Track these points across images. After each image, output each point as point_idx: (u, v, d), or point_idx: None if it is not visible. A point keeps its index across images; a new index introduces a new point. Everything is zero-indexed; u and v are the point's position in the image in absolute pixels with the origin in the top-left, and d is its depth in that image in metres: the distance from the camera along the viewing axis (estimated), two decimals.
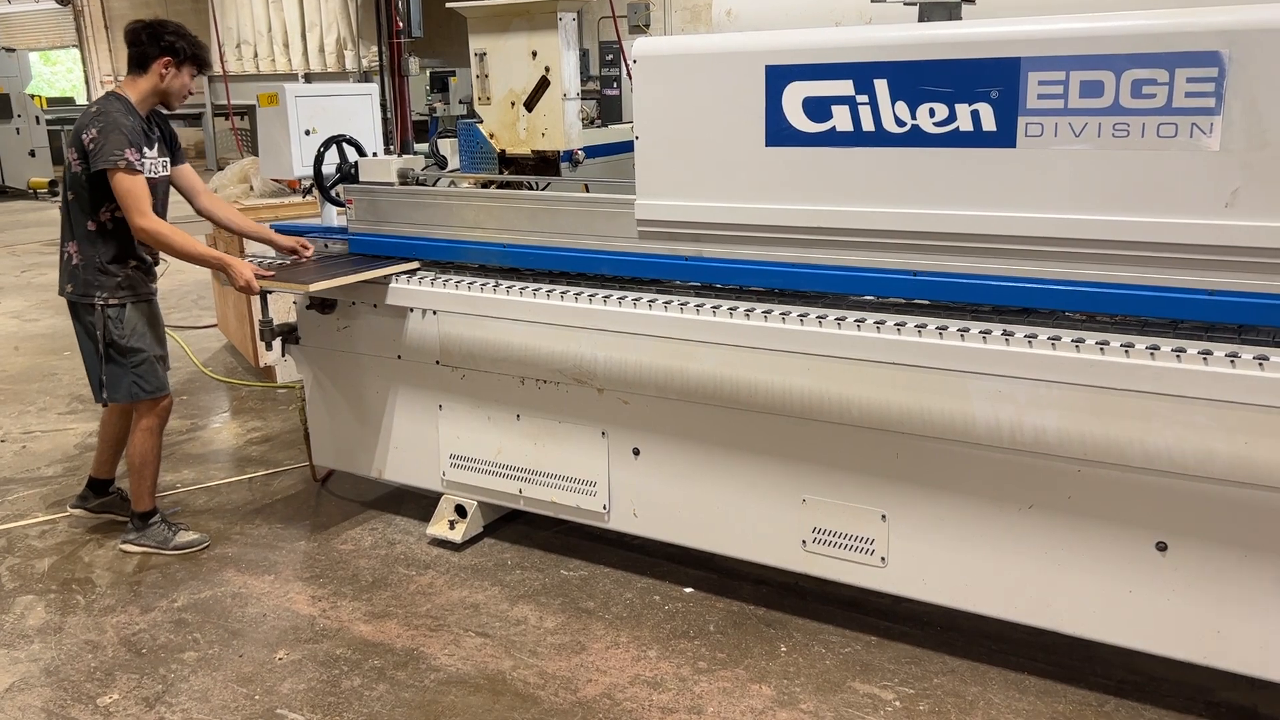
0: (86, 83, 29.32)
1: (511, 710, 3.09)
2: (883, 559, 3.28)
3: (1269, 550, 2.70)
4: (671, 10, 15.86)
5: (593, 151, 4.07)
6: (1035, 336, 2.80)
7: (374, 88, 4.78)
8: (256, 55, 21.72)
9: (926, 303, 3.08)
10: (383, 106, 5.82)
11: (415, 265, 3.97)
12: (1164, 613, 2.87)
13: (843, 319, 3.06)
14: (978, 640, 3.36)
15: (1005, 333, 2.83)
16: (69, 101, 26.48)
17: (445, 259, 3.98)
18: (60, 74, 30.54)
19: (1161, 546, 2.84)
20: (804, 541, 3.41)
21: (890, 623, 3.50)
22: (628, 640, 3.45)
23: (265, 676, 3.30)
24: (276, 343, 4.32)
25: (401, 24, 6.25)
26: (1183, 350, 2.55)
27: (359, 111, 4.71)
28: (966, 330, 2.90)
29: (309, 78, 19.41)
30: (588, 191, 3.86)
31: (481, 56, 3.82)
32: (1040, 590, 3.04)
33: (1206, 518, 2.76)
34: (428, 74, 15.66)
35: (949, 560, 3.17)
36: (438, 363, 4.07)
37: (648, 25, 15.42)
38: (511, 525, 4.30)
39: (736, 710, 3.07)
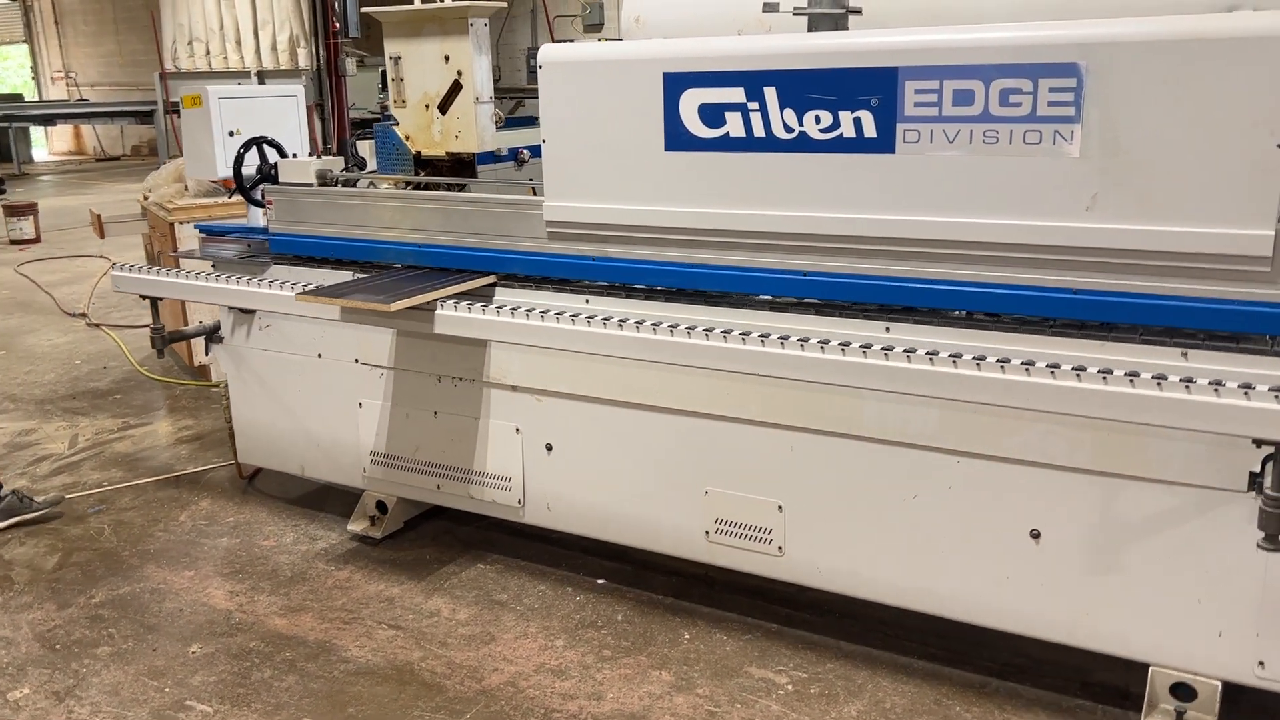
0: (36, 79, 28.91)
1: (416, 699, 3.18)
2: (780, 548, 3.40)
3: (1132, 537, 2.85)
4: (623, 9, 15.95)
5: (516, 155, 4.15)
6: (914, 351, 2.82)
7: (300, 89, 4.83)
8: (209, 52, 21.54)
9: (817, 301, 3.20)
10: (320, 107, 5.89)
11: (492, 279, 3.71)
12: (1038, 597, 3.01)
13: (728, 332, 3.09)
14: (873, 626, 3.49)
15: (885, 348, 2.86)
16: (17, 98, 26.10)
17: (362, 259, 4.04)
18: (13, 69, 30.06)
19: (1035, 534, 2.98)
20: (707, 532, 3.52)
21: (791, 610, 3.62)
22: (537, 630, 3.55)
23: (176, 670, 3.36)
24: (199, 343, 4.36)
25: (339, 24, 6.31)
26: (1031, 364, 2.64)
27: (285, 113, 4.76)
28: (847, 345, 2.92)
29: (261, 75, 19.30)
30: (535, 195, 3.93)
31: (396, 60, 3.89)
32: (925, 578, 3.17)
33: (1075, 506, 2.90)
34: (379, 71, 15.65)
35: (840, 549, 3.29)
36: (357, 361, 4.14)
37: (601, 25, 15.49)
38: (433, 521, 4.38)
39: (635, 696, 3.17)
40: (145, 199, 6.89)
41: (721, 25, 3.58)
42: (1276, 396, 2.34)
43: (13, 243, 12.25)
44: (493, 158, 4.02)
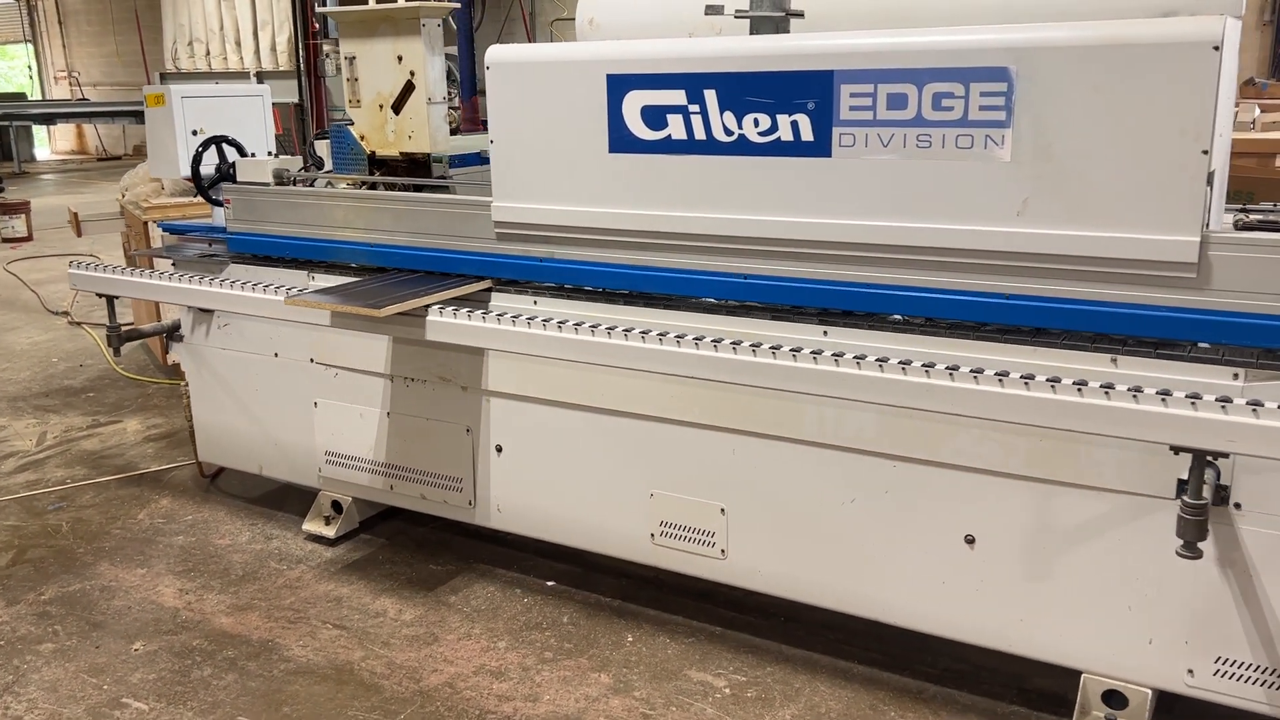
0: (40, 78, 29.03)
1: (352, 699, 3.17)
2: (723, 551, 3.39)
3: (1065, 543, 2.84)
4: (578, 12, 15.97)
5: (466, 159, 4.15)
6: (841, 356, 2.80)
7: (266, 89, 4.83)
8: (209, 53, 21.63)
9: (758, 305, 3.19)
10: (300, 107, 5.89)
11: (487, 284, 3.63)
12: (972, 603, 3.00)
13: (665, 334, 3.06)
14: (816, 631, 3.48)
15: (814, 351, 2.84)
16: (20, 97, 26.22)
17: (317, 258, 4.05)
18: (19, 69, 30.18)
19: (969, 540, 2.97)
20: (652, 535, 3.52)
21: (736, 614, 3.61)
22: (480, 632, 3.54)
23: (117, 667, 3.36)
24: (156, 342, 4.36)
25: (318, 24, 6.31)
26: (956, 368, 2.63)
27: (250, 113, 4.77)
28: (778, 349, 2.89)
29: (260, 76, 19.36)
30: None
31: (351, 60, 3.89)
32: (863, 582, 3.16)
33: (1009, 512, 2.90)
34: None
35: (780, 553, 3.28)
36: (312, 361, 4.14)
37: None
38: (388, 522, 4.38)
39: (571, 698, 3.16)
40: (123, 198, 6.91)
41: (673, 27, 3.57)
42: (1193, 403, 2.33)
43: (4, 240, 12.28)
44: (478, 159, 4.02)
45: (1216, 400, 2.31)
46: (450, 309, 3.42)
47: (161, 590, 3.87)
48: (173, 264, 4.37)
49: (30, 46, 29.21)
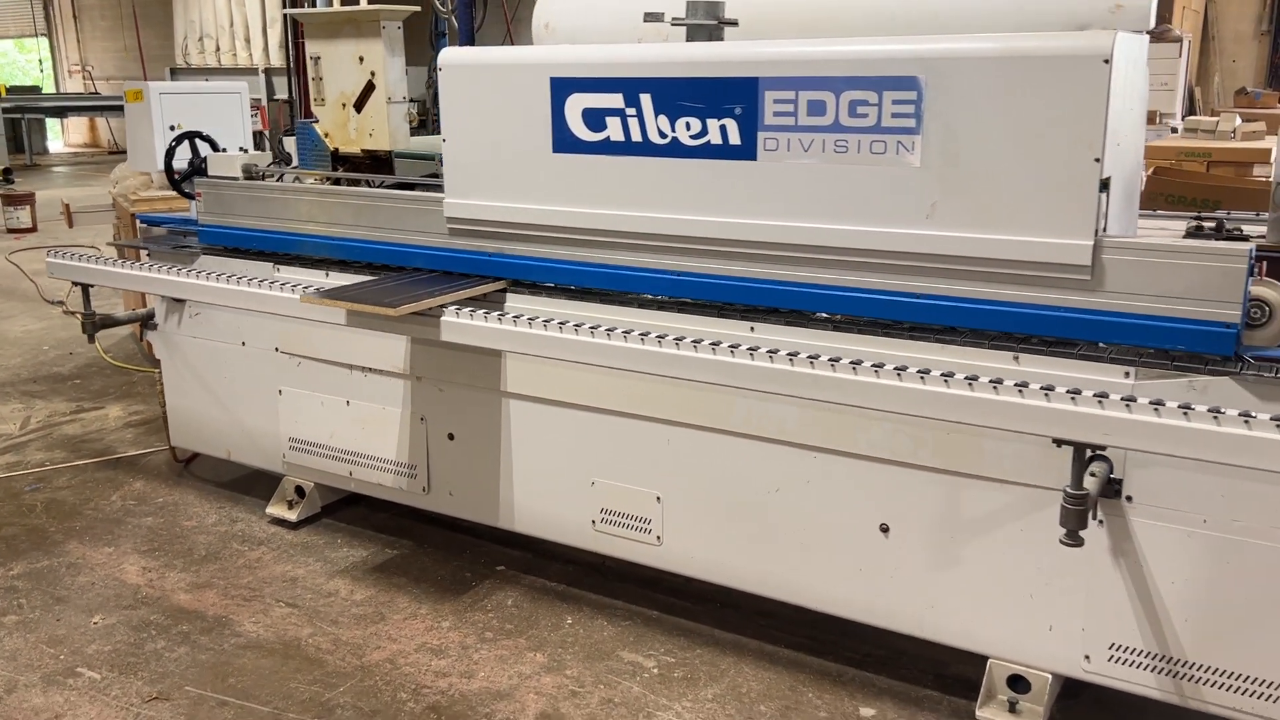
0: (55, 71, 29.35)
1: (295, 672, 3.32)
2: (659, 538, 3.53)
3: (971, 533, 2.96)
4: (534, 16, 16.10)
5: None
6: (756, 350, 2.94)
7: (244, 85, 4.99)
8: (219, 49, 21.86)
9: (691, 301, 3.33)
10: (291, 104, 6.04)
11: (502, 285, 3.62)
12: (888, 590, 3.13)
13: (599, 329, 3.17)
14: (749, 616, 3.61)
15: (732, 347, 2.96)
16: (34, 90, 26.52)
17: (282, 250, 4.19)
18: (36, 62, 30.51)
19: (884, 528, 3.10)
20: (593, 522, 3.65)
21: (675, 599, 3.74)
22: (427, 612, 3.69)
23: (75, 639, 3.52)
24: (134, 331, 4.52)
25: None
26: (859, 362, 2.76)
27: (228, 109, 4.92)
28: (699, 342, 3.02)
29: (269, 72, 19.57)
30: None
31: (316, 60, 4.04)
32: (787, 569, 3.29)
33: (920, 502, 3.02)
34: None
35: (712, 539, 3.41)
36: (277, 349, 4.29)
37: None
38: (351, 508, 4.52)
39: (505, 675, 3.30)
40: (114, 190, 7.08)
41: (625, 32, 3.70)
42: (1073, 398, 2.45)
43: (9, 231, 12.49)
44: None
45: (1094, 396, 2.44)
46: (467, 310, 3.41)
47: (126, 568, 4.03)
48: (146, 254, 4.53)
49: (45, 40, 29.55)
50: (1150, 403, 2.39)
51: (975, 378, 2.59)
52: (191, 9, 22.47)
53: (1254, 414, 2.29)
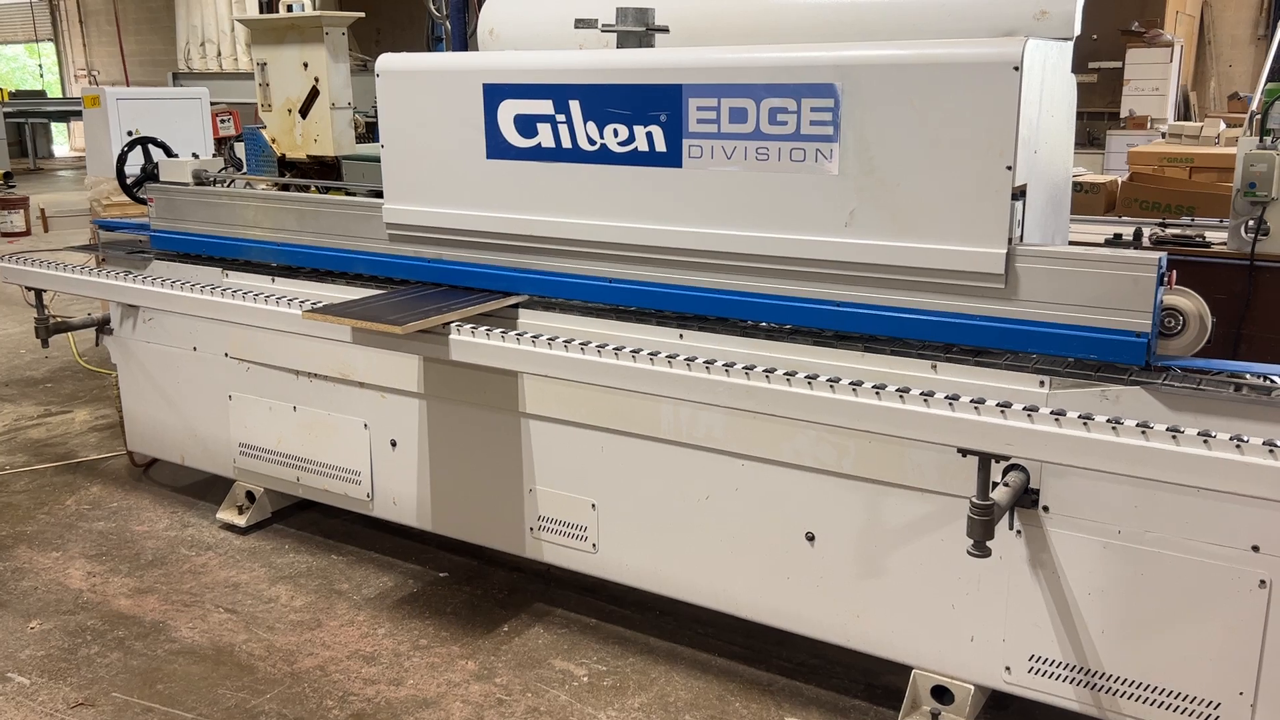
0: (61, 76, 29.54)
1: (225, 679, 3.31)
2: (594, 545, 3.51)
3: (895, 542, 2.94)
4: (479, 22, 16.14)
5: None
6: (673, 357, 2.93)
7: (204, 91, 5.00)
8: (220, 54, 21.96)
9: (622, 308, 3.31)
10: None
11: (516, 300, 3.48)
12: (814, 599, 3.11)
13: (531, 335, 3.18)
14: (686, 624, 3.59)
15: (652, 354, 2.96)
16: (40, 94, 26.67)
17: (231, 256, 4.20)
18: (47, 67, 30.70)
19: (810, 537, 3.08)
20: (531, 529, 3.64)
21: (614, 607, 3.72)
22: (364, 619, 3.68)
23: (10, 644, 3.52)
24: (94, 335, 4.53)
25: None
26: (793, 374, 2.73)
27: (188, 114, 4.93)
28: (620, 349, 3.02)
29: None
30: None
31: (263, 66, 4.05)
32: (717, 576, 3.28)
33: (844, 511, 3.00)
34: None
35: (644, 547, 3.40)
36: (226, 355, 4.30)
37: None
38: (304, 513, 4.52)
39: (434, 683, 3.29)
40: (89, 195, 7.10)
41: (567, 39, 3.69)
42: (976, 408, 2.43)
43: (2, 235, 12.56)
44: None
45: (998, 405, 2.42)
46: (469, 327, 3.28)
47: (71, 573, 4.03)
48: (99, 259, 4.54)
49: (52, 45, 29.75)
50: (1051, 413, 2.37)
51: (883, 386, 2.57)
52: (194, 14, 22.58)
53: (1152, 425, 2.26)
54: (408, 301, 3.50)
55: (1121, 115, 12.03)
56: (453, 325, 3.29)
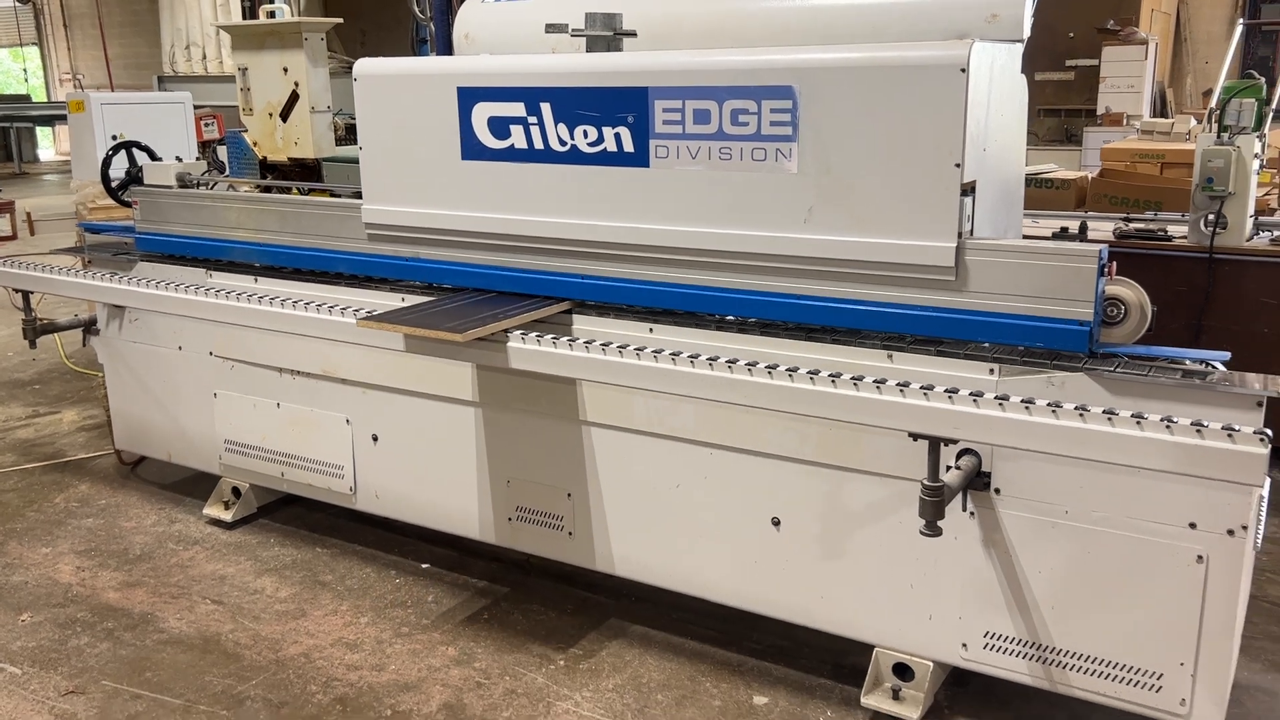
0: (46, 80, 29.49)
1: (212, 666, 3.42)
2: (570, 533, 3.63)
3: (856, 525, 3.06)
4: (454, 27, 16.24)
5: None
6: (639, 348, 3.04)
7: (187, 96, 5.09)
8: (205, 57, 21.97)
9: (594, 303, 3.43)
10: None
11: (566, 306, 3.45)
12: (780, 582, 3.23)
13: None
14: (662, 610, 3.70)
15: (617, 346, 3.07)
16: (24, 99, 26.63)
17: (214, 256, 4.30)
18: (32, 71, 30.65)
19: (776, 522, 3.20)
20: (510, 519, 3.75)
21: (591, 594, 3.84)
22: (347, 609, 3.78)
23: (1, 635, 3.61)
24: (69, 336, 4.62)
25: None
26: (754, 364, 2.86)
27: (171, 118, 5.02)
28: (590, 343, 3.12)
29: None
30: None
31: (244, 71, 4.15)
32: (691, 561, 3.39)
33: (808, 496, 3.12)
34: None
35: (619, 534, 3.51)
36: (211, 354, 4.39)
37: None
38: (288, 508, 4.62)
39: (415, 668, 3.40)
40: (75, 198, 7.18)
41: (540, 43, 3.80)
42: (925, 394, 2.55)
43: None
44: None
45: (946, 391, 2.54)
46: (534, 334, 3.23)
47: (60, 568, 4.12)
48: (85, 261, 4.63)
49: (37, 49, 29.69)
50: (996, 398, 2.49)
51: (839, 375, 2.69)
52: (178, 17, 22.57)
53: (1089, 408, 2.39)
54: (458, 309, 3.43)
55: (1098, 112, 12.18)
56: (512, 332, 3.23)
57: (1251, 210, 5.00)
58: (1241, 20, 6.77)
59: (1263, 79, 5.01)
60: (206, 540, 4.36)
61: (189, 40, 22.17)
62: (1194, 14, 15.29)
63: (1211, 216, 4.89)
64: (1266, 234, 5.10)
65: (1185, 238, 5.06)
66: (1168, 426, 2.31)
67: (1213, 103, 5.15)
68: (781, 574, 3.22)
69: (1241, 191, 4.83)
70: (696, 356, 2.92)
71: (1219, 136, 4.86)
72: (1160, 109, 13.63)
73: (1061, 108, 13.19)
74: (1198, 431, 2.28)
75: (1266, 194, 6.69)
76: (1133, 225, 5.37)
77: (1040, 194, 6.69)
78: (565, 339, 3.19)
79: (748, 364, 2.82)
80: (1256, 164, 4.90)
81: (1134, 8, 12.96)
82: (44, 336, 4.82)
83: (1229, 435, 2.27)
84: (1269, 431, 2.28)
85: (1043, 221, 4.98)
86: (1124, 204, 6.48)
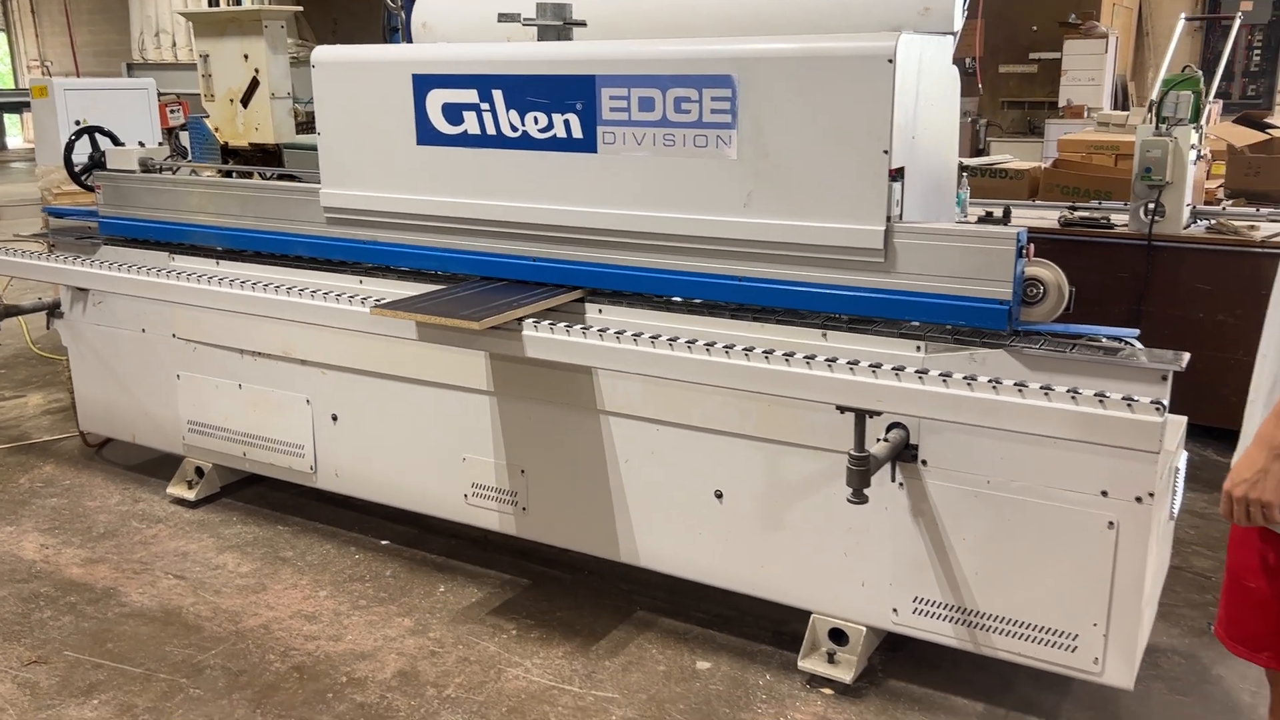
0: (14, 67, 29.17)
1: (172, 637, 3.51)
2: (524, 509, 3.74)
3: (793, 497, 3.19)
4: (412, 15, 16.29)
5: None
6: (586, 328, 3.16)
7: (151, 82, 5.14)
8: (175, 44, 21.79)
9: (547, 285, 3.54)
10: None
11: (579, 294, 3.42)
12: (723, 552, 3.36)
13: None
14: (614, 582, 3.83)
15: (584, 328, 3.15)
16: None
17: (176, 240, 4.37)
18: (0, 58, 30.27)
19: (719, 494, 3.33)
20: (465, 496, 3.86)
21: (547, 568, 3.96)
22: (307, 583, 3.88)
23: None
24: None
25: None
26: (693, 341, 2.98)
27: (136, 104, 5.08)
28: (554, 325, 3.27)
29: None
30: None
31: (205, 58, 4.22)
32: (639, 534, 3.52)
33: (748, 470, 3.25)
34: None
35: (571, 509, 3.64)
36: (174, 336, 4.47)
37: None
38: (251, 487, 4.70)
39: (371, 638, 3.51)
40: (40, 184, 7.19)
41: (496, 31, 3.89)
42: (851, 369, 2.68)
43: None
44: None
45: (870, 366, 2.67)
46: (547, 323, 3.21)
47: (24, 545, 4.20)
48: (50, 245, 4.69)
49: (4, 36, 29.35)
50: (916, 372, 2.63)
51: (771, 351, 2.82)
52: (147, 5, 22.36)
53: (1002, 381, 2.53)
54: (470, 297, 3.40)
55: (1059, 105, 12.39)
56: (526, 321, 3.22)
57: (1189, 199, 5.18)
58: (1184, 15, 6.93)
59: (1200, 73, 5.18)
60: (170, 519, 4.44)
61: (158, 27, 21.98)
62: (1155, 9, 15.53)
63: (1151, 205, 5.06)
64: (1204, 222, 5.28)
65: (1126, 226, 5.24)
66: (1073, 398, 2.45)
67: (1153, 95, 5.30)
68: (724, 545, 3.36)
69: (1179, 181, 5.01)
70: (639, 335, 3.04)
71: (1157, 128, 5.03)
72: (1123, 102, 13.86)
73: (1025, 100, 13.39)
74: (1100, 402, 2.43)
75: (1219, 186, 6.90)
76: (1077, 214, 5.54)
77: (994, 184, 6.87)
78: (563, 325, 3.18)
79: (687, 341, 2.95)
80: (1193, 154, 5.08)
81: (1095, 2, 13.18)
82: (8, 320, 4.88)
83: (1128, 405, 2.41)
84: (1165, 401, 2.43)
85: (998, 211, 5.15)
86: (1075, 194, 6.65)
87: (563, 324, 3.20)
